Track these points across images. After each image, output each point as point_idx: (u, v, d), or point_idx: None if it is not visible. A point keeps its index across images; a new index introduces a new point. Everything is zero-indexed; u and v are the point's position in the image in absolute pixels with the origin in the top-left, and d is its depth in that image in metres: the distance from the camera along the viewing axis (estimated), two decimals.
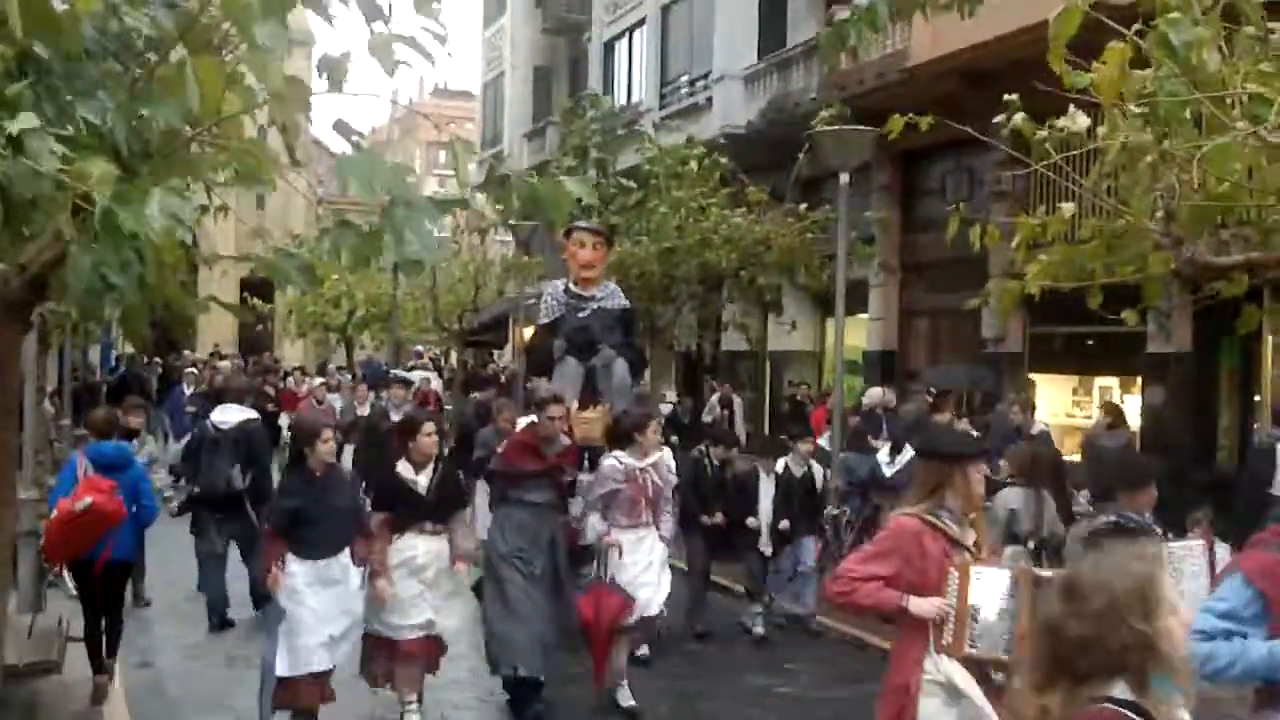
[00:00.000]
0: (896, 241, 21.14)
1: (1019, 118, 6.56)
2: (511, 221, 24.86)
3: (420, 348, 37.53)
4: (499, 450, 10.00)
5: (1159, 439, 13.79)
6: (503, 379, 26.32)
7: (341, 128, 3.97)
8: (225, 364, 25.73)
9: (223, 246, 39.36)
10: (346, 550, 8.39)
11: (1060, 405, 18.02)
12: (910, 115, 6.46)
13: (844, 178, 13.60)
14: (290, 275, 4.07)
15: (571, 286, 10.83)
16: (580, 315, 10.59)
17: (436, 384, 24.55)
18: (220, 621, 11.60)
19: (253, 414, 12.30)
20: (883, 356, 21.44)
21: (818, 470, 12.58)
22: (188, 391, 22.36)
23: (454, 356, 33.55)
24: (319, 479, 8.42)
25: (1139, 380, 16.58)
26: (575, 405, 10.06)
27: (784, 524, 11.94)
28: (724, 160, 20.76)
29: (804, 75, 22.84)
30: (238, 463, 11.53)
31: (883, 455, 13.75)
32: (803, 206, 19.81)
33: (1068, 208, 7.01)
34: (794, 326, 22.94)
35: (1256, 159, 5.72)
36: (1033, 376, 18.02)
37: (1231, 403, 15.53)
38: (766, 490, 12.07)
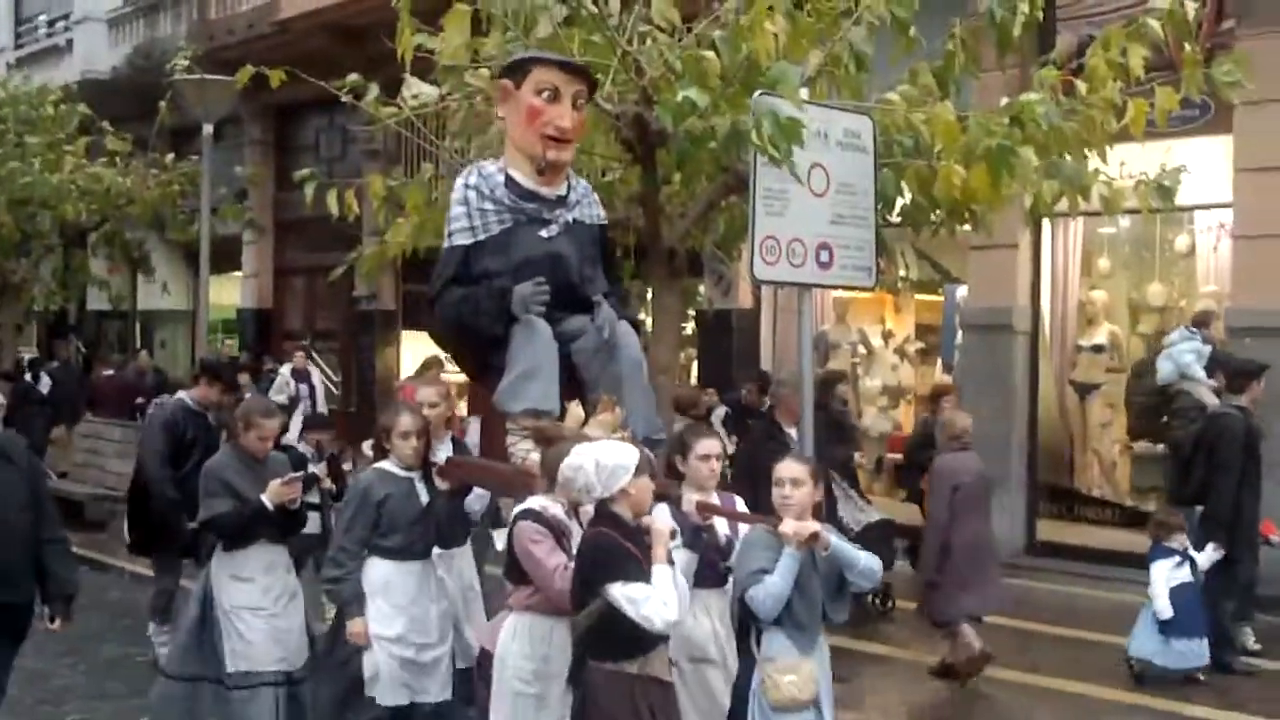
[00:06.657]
0: (270, 198, 20.77)
1: (372, 91, 6.67)
2: None
3: None
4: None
5: None
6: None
7: None
8: None
9: None
10: None
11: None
12: (261, 68, 6.38)
13: (207, 129, 13.50)
14: None
15: (517, 177, 5.69)
16: (545, 235, 5.72)
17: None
18: None
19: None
20: (257, 315, 21.04)
21: None
22: None
23: None
24: None
25: None
26: (572, 406, 5.55)
27: None
28: (83, 107, 19.53)
29: (173, 22, 21.90)
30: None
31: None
32: (170, 158, 19.04)
33: (427, 169, 7.22)
34: (165, 288, 21.97)
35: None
36: (406, 334, 18.38)
37: None
38: None
